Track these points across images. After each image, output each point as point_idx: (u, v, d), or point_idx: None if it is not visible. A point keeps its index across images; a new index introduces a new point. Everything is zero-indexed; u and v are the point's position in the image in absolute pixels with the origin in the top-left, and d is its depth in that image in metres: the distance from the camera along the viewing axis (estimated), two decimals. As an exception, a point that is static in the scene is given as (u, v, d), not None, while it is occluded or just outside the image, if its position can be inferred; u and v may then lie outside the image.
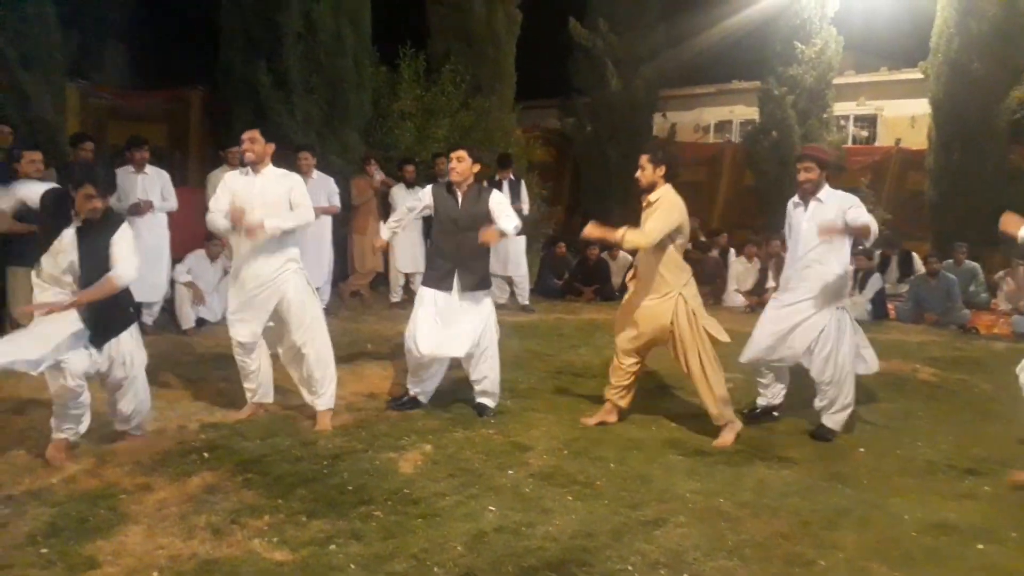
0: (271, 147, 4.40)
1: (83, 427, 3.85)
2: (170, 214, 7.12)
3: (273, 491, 3.58)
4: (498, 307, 8.74)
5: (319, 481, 3.71)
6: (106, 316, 3.75)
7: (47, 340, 3.53)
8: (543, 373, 5.97)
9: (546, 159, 13.01)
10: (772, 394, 4.91)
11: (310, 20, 8.40)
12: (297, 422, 4.55)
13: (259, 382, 4.59)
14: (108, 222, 3.76)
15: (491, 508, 3.49)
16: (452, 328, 4.62)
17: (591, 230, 4.38)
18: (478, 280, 4.71)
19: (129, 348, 3.89)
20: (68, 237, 3.70)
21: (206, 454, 4.00)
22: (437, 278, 4.70)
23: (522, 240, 8.60)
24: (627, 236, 4.27)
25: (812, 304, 4.49)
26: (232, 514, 3.32)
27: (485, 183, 8.05)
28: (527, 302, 8.94)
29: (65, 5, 7.17)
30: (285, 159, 7.97)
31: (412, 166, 8.50)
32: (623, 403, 4.71)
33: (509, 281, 8.93)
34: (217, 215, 4.39)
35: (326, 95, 8.58)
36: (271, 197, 4.36)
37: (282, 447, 4.13)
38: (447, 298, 4.66)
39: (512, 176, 8.63)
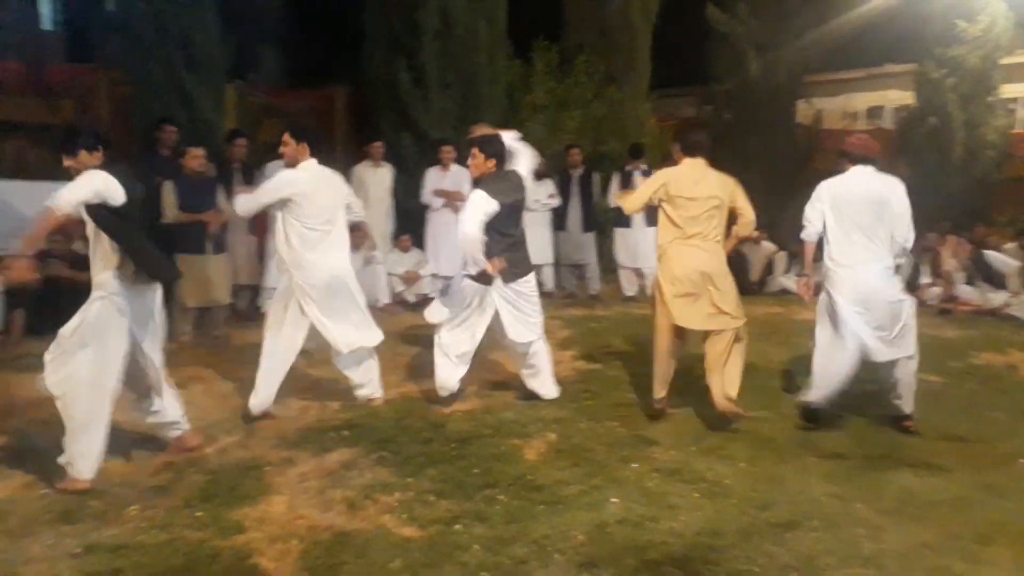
0: (303, 147, 4.48)
1: None
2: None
3: (404, 470, 3.72)
4: (628, 299, 8.78)
5: (447, 463, 3.82)
6: None
7: None
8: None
9: (682, 149, 12.69)
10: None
11: (447, 17, 8.60)
12: (423, 406, 4.68)
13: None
14: None
15: (614, 500, 3.48)
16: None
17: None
18: None
19: None
20: None
21: (345, 432, 4.21)
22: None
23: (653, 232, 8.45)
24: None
25: None
26: (366, 490, 3.48)
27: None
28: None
29: (225, 10, 7.70)
30: (424, 153, 8.31)
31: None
32: None
33: (639, 273, 8.81)
34: None
35: (461, 90, 8.77)
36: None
37: (414, 428, 4.28)
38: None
39: (645, 166, 8.50)
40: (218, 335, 6.37)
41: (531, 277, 4.66)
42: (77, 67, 8.30)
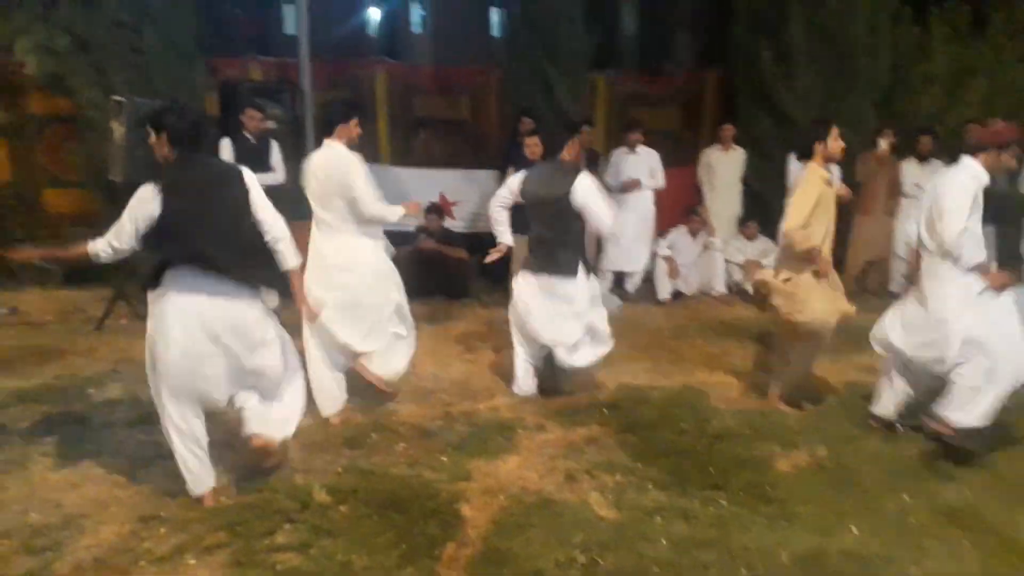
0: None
1: None
2: (658, 191, 7.60)
3: (640, 455, 3.74)
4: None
5: (688, 456, 3.73)
6: None
7: None
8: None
9: None
10: None
11: (817, -14, 7.95)
12: (702, 398, 4.57)
13: None
14: None
15: (853, 528, 3.07)
16: None
17: None
18: None
19: None
20: None
21: (606, 410, 4.35)
22: None
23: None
24: None
25: None
26: (592, 466, 3.60)
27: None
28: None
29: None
30: (784, 135, 7.84)
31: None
32: None
33: None
34: None
35: (832, 65, 8.03)
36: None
37: (675, 417, 4.23)
38: None
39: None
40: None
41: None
42: (472, 68, 9.57)
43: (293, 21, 23.55)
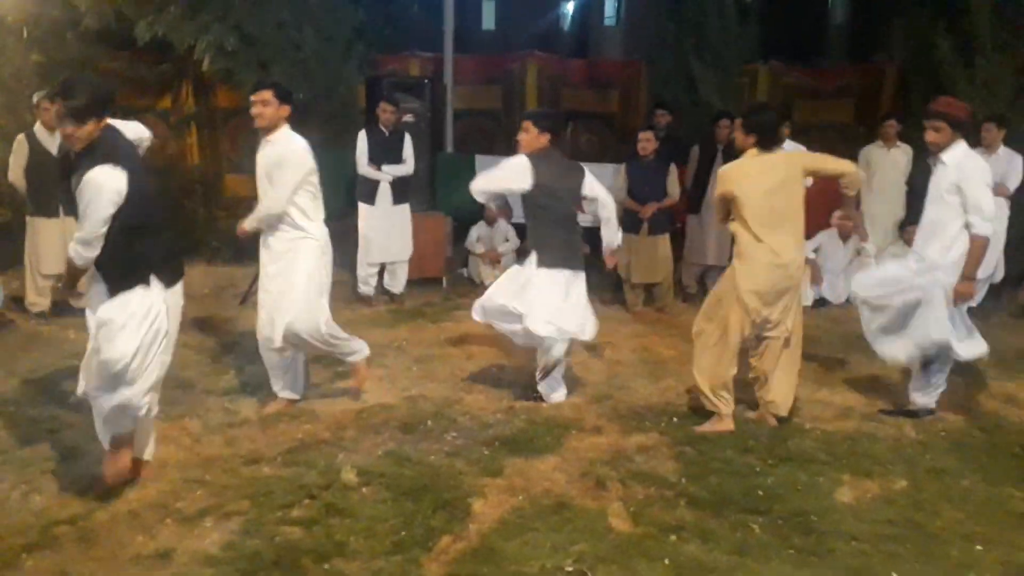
0: (284, 109, 3.89)
1: None
2: (808, 189, 7.05)
3: (689, 469, 3.54)
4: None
5: (740, 476, 3.48)
6: None
7: None
8: None
9: None
10: None
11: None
12: (789, 415, 4.21)
13: None
14: None
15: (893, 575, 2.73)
16: None
17: None
18: None
19: None
20: None
21: (675, 419, 4.15)
22: None
23: None
24: None
25: None
26: (630, 475, 3.46)
27: None
28: None
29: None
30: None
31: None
32: None
33: None
34: None
35: (1022, 54, 7.04)
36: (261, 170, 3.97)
37: (748, 432, 3.95)
38: None
39: None
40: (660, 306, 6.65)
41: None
42: (623, 61, 9.40)
43: (491, 17, 24.46)
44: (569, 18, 23.02)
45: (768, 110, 4.14)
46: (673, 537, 2.95)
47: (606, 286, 6.77)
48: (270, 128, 3.88)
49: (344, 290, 6.48)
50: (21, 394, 4.34)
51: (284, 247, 3.94)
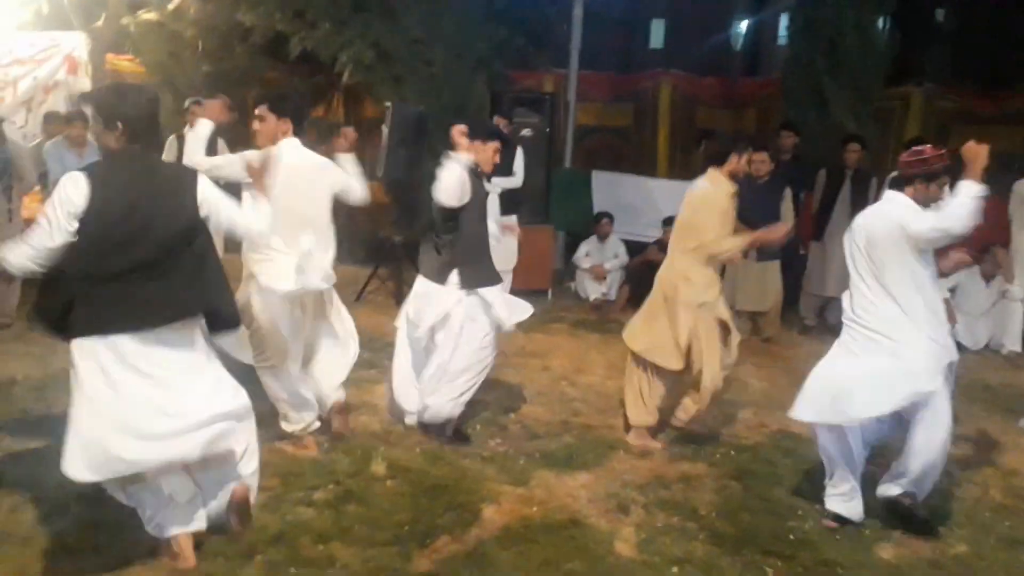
0: (284, 124, 3.61)
1: None
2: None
3: (724, 504, 3.37)
4: None
5: (777, 517, 3.28)
6: None
7: None
8: None
9: None
10: None
11: None
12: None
13: None
14: None
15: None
16: None
17: None
18: None
19: None
20: None
21: (733, 452, 3.96)
22: None
23: None
24: None
25: None
26: (658, 502, 3.36)
27: None
28: None
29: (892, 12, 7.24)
30: None
31: None
32: None
33: None
34: None
35: None
36: None
37: (807, 475, 3.69)
38: None
39: None
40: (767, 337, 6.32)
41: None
42: (760, 80, 9.03)
43: (659, 36, 24.28)
44: (741, 38, 22.37)
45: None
46: (675, 569, 2.84)
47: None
48: (271, 143, 3.61)
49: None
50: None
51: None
